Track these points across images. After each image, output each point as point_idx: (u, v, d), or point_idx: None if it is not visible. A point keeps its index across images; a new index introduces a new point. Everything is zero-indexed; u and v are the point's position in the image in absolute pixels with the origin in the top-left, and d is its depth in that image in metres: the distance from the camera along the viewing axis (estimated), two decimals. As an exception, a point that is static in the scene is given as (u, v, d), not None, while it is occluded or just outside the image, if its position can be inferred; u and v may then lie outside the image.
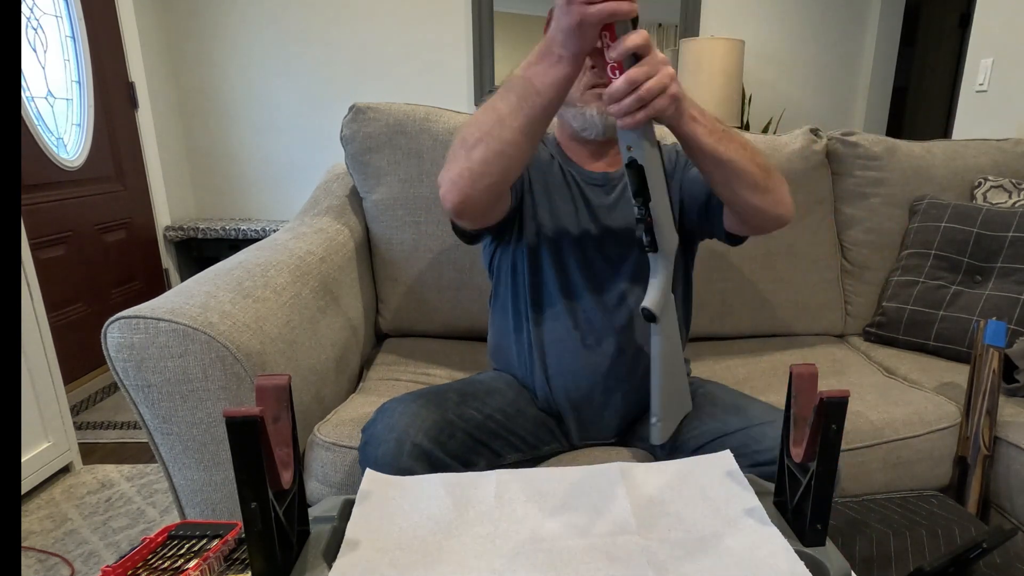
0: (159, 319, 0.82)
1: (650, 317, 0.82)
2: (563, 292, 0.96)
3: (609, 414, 0.97)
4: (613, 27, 0.68)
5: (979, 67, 2.18)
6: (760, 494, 0.61)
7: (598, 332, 0.96)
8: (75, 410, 2.05)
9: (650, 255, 0.82)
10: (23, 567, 1.31)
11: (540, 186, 0.98)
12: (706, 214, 0.95)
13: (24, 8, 2.08)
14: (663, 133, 1.44)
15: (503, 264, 1.01)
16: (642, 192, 0.75)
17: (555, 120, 0.97)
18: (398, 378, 1.18)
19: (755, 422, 0.84)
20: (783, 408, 0.86)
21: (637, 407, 0.98)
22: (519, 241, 0.98)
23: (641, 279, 0.97)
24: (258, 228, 2.80)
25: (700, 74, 2.79)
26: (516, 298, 1.00)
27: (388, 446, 0.79)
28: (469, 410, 0.88)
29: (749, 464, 0.77)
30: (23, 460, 1.51)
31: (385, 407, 0.86)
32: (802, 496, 0.55)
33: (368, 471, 0.64)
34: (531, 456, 0.94)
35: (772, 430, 0.81)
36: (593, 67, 0.89)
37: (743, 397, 0.95)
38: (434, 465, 0.79)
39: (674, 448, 0.91)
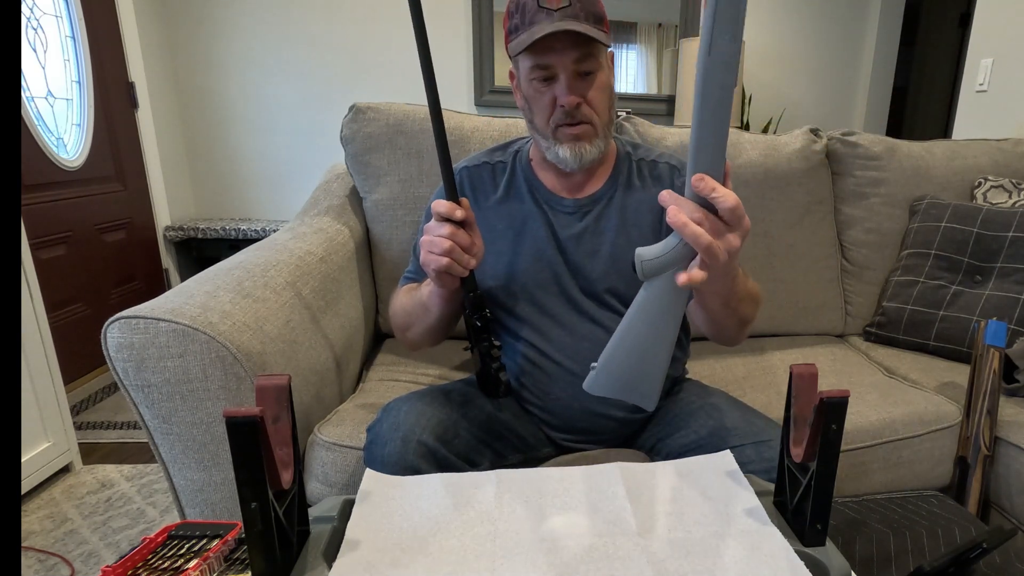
0: (159, 319, 0.82)
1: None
2: (535, 326, 0.95)
3: (601, 428, 0.96)
4: None
5: (979, 67, 2.18)
6: (760, 494, 0.61)
7: (574, 360, 0.92)
8: (75, 410, 2.05)
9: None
10: (23, 567, 1.31)
11: (504, 222, 0.97)
12: None
13: (24, 8, 2.08)
14: (657, 136, 1.44)
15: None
16: None
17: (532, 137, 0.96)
18: (398, 378, 1.18)
19: (731, 440, 0.82)
20: (765, 424, 0.86)
21: (634, 421, 0.97)
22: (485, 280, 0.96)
23: (610, 306, 0.95)
24: (258, 228, 2.80)
25: (700, 74, 2.79)
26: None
27: (394, 445, 0.78)
28: (473, 409, 0.88)
29: None
30: (23, 460, 1.51)
31: (390, 406, 0.85)
32: (802, 496, 0.55)
33: (368, 471, 0.64)
34: (532, 456, 0.94)
35: (749, 449, 0.81)
36: (562, 106, 0.86)
37: (732, 411, 0.90)
38: (440, 464, 0.79)
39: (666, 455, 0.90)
